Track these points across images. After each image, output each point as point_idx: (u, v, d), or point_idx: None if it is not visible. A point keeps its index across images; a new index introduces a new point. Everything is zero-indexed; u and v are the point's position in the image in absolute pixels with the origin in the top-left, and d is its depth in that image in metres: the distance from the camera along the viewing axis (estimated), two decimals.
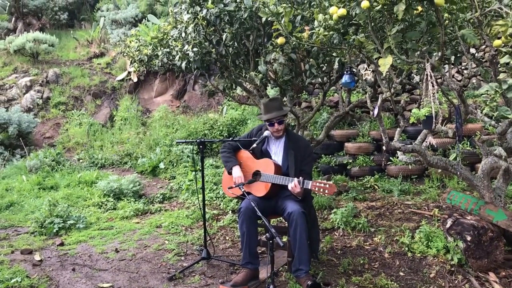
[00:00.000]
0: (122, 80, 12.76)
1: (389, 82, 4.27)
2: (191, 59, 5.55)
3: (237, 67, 6.20)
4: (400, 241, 4.85)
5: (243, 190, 3.94)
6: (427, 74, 3.56)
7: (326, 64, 5.51)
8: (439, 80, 4.87)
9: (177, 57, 5.70)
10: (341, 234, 5.32)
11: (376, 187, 7.26)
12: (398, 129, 4.52)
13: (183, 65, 5.69)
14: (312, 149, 4.39)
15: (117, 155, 9.52)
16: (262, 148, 4.36)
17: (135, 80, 12.62)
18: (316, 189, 3.85)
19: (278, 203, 4.19)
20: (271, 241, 3.59)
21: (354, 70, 4.10)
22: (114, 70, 13.11)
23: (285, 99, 6.19)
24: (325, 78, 5.74)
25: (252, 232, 4.03)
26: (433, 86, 3.52)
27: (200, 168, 4.42)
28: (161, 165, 8.70)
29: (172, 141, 9.52)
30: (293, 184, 3.92)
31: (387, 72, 3.42)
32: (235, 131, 9.71)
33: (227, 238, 5.32)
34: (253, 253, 4.09)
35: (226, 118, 10.06)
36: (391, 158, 7.61)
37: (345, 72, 4.10)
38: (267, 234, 3.56)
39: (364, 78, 3.85)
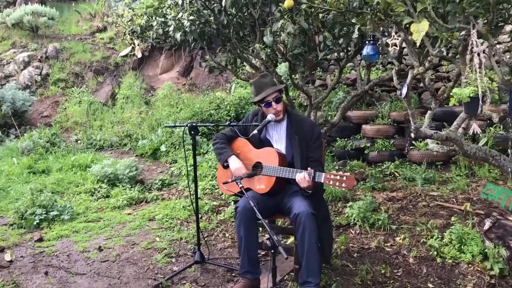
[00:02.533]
0: (126, 56, 12.06)
1: (420, 54, 3.51)
2: (187, 30, 4.82)
3: (242, 39, 5.46)
4: (428, 244, 4.13)
5: (241, 186, 3.25)
6: (471, 44, 2.79)
7: (343, 36, 4.73)
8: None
9: (171, 27, 4.97)
10: (357, 232, 4.63)
11: (396, 174, 6.56)
12: (429, 112, 3.76)
13: (178, 36, 4.97)
14: (319, 129, 3.66)
15: (116, 136, 8.89)
16: (260, 137, 3.64)
17: (139, 56, 11.91)
18: (331, 182, 3.14)
19: (284, 200, 3.49)
20: (273, 251, 2.92)
21: (378, 39, 3.33)
22: (118, 45, 12.40)
23: (296, 76, 5.46)
24: (341, 53, 4.96)
25: (251, 236, 3.36)
26: (479, 59, 2.75)
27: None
28: (163, 148, 8.05)
29: (175, 121, 8.85)
30: (302, 176, 3.22)
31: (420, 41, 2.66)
32: (243, 111, 8.99)
33: (227, 235, 4.66)
34: (253, 260, 3.42)
35: (234, 97, 9.34)
36: (413, 142, 6.87)
37: (366, 42, 3.33)
38: (268, 242, 2.88)
39: (390, 49, 3.08)
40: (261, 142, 3.64)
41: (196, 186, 3.77)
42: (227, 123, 3.58)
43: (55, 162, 7.57)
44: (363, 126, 7.25)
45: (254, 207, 3.06)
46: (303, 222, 3.21)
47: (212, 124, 3.66)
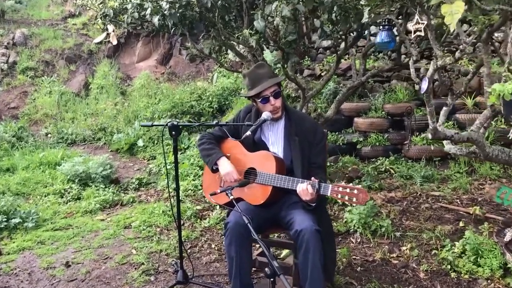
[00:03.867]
0: (100, 42, 11.33)
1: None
2: (165, 13, 4.23)
3: (227, 24, 4.90)
4: (440, 256, 3.68)
5: (231, 197, 2.73)
6: None
7: (342, 21, 4.21)
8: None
9: (148, 10, 4.37)
10: (359, 240, 4.16)
11: (392, 171, 6.11)
12: (444, 108, 3.28)
13: (156, 21, 4.38)
14: (322, 129, 3.15)
15: (89, 130, 8.24)
16: (255, 138, 3.12)
17: (115, 42, 11.20)
18: (339, 196, 2.65)
19: (282, 213, 2.98)
20: (272, 279, 2.42)
21: (394, 24, 2.82)
22: (92, 32, 11.64)
23: (286, 66, 4.92)
24: (339, 40, 4.44)
25: (244, 257, 2.84)
26: None
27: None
28: (140, 143, 7.45)
29: (153, 113, 8.24)
30: (304, 187, 2.71)
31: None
32: (227, 102, 8.45)
33: (213, 246, 4.13)
34: (245, 284, 2.90)
35: (216, 87, 8.79)
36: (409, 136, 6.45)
37: (380, 28, 2.82)
38: (267, 269, 2.38)
39: (412, 36, 2.56)
40: (255, 144, 3.12)
41: (178, 195, 3.22)
42: (214, 123, 3.02)
43: (21, 159, 6.91)
44: (355, 119, 6.79)
45: (249, 224, 2.55)
46: (306, 240, 2.71)
47: (197, 123, 3.11)
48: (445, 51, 7.70)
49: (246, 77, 3.07)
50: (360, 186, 2.64)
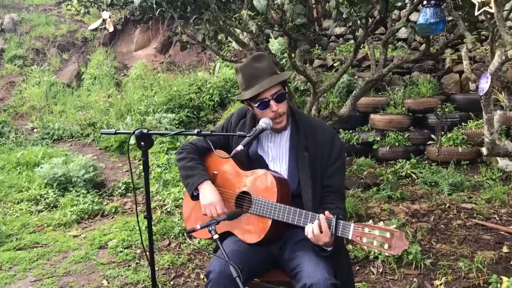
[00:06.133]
0: (96, 29, 10.62)
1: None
2: None
3: (225, 6, 4.12)
4: None
5: (215, 236, 1.98)
6: None
7: (362, 2, 3.41)
8: None
9: None
10: (380, 270, 3.39)
11: (414, 176, 5.36)
12: (499, 112, 2.48)
13: (137, 1, 3.61)
14: (341, 142, 2.35)
15: (78, 125, 7.51)
16: (249, 152, 2.35)
17: (111, 29, 10.45)
18: (364, 241, 1.89)
19: (285, 254, 2.22)
20: None
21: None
22: (87, 18, 10.88)
23: (294, 55, 4.13)
24: (359, 23, 3.62)
25: None
26: None
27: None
28: (132, 140, 6.70)
29: (148, 107, 7.50)
30: (316, 230, 1.96)
31: None
32: (229, 95, 7.68)
33: (201, 276, 3.37)
34: None
35: (218, 78, 8.02)
36: (432, 136, 5.68)
37: (423, 4, 2.02)
38: None
39: (479, 11, 1.76)
40: (250, 160, 2.35)
41: (150, 224, 2.45)
42: (195, 131, 2.24)
43: None
44: (372, 115, 6.11)
45: (238, 279, 1.81)
46: None
47: (172, 133, 2.33)
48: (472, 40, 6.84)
49: (239, 73, 2.27)
50: (394, 226, 1.87)
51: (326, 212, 2.00)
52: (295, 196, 2.24)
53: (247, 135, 2.13)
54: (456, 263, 3.40)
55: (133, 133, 2.30)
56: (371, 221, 1.92)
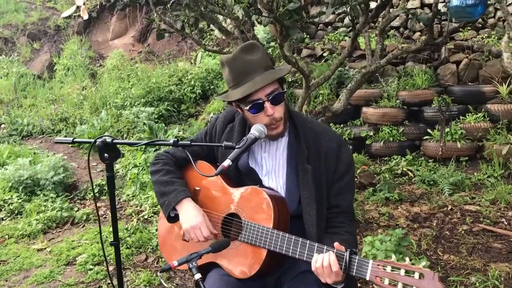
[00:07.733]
0: (69, 17, 10.07)
1: None
2: None
3: None
4: None
5: (197, 276, 1.56)
6: None
7: None
8: None
9: None
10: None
11: (410, 174, 5.04)
12: None
13: None
14: (349, 151, 1.93)
15: (49, 120, 6.98)
16: (238, 164, 1.93)
17: (86, 17, 9.92)
18: (386, 282, 1.50)
19: None
20: None
21: None
22: (59, 4, 10.32)
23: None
24: (359, 8, 3.19)
25: None
26: None
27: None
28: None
29: (124, 100, 7.01)
30: (326, 263, 1.56)
31: None
32: (211, 86, 7.25)
33: None
34: None
35: (200, 69, 7.59)
36: (429, 131, 5.35)
37: None
38: None
39: None
40: (240, 174, 1.92)
41: (118, 254, 2.00)
42: (171, 141, 1.79)
43: None
44: (364, 109, 5.81)
45: None
46: None
47: (142, 143, 1.87)
48: (468, 28, 6.51)
49: (225, 67, 1.82)
50: (423, 264, 1.47)
51: (336, 244, 1.59)
52: (295, 217, 1.83)
53: (236, 146, 1.69)
54: (468, 279, 3.05)
55: (94, 142, 1.86)
56: (394, 257, 1.51)
